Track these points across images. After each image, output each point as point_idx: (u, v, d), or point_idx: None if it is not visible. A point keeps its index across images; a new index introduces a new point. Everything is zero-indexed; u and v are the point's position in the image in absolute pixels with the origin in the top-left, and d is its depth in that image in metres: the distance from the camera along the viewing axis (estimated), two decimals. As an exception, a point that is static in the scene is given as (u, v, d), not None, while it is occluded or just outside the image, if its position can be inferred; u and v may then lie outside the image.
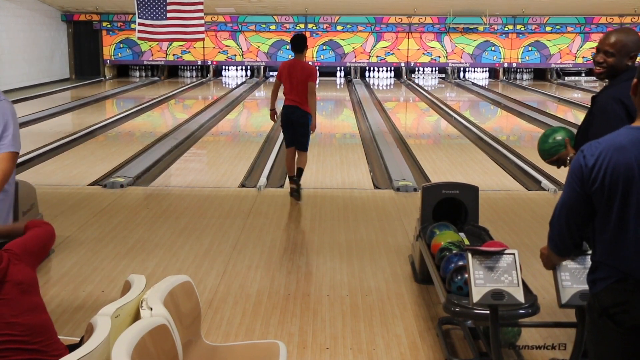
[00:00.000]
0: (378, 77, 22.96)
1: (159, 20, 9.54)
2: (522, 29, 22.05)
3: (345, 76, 22.72)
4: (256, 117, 15.42)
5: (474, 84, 21.65)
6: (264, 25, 22.01)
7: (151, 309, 2.52)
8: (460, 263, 3.60)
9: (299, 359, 3.74)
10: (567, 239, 2.49)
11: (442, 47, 22.40)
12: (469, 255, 2.92)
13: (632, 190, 2.26)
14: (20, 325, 2.43)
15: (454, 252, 3.88)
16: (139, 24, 9.61)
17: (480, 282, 2.88)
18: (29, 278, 2.53)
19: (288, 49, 22.24)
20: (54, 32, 20.96)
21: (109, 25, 22.01)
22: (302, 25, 21.95)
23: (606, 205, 2.31)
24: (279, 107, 7.34)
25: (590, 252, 2.55)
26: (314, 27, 21.94)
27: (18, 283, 2.48)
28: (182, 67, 23.08)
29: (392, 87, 21.38)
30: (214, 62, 22.54)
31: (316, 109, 7.05)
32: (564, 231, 2.47)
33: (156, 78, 22.32)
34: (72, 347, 2.62)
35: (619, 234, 2.30)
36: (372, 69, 22.97)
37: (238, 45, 22.36)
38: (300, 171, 7.20)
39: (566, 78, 22.45)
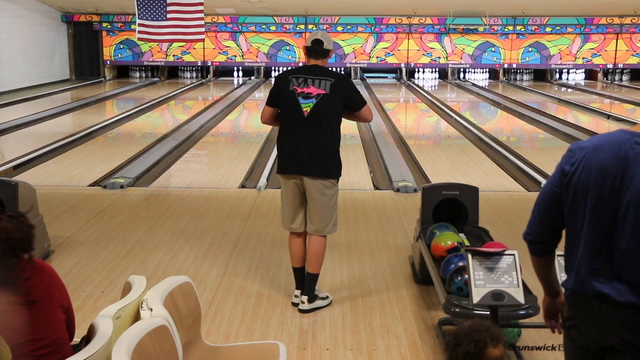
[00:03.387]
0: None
1: (159, 20, 9.55)
2: (522, 29, 22.05)
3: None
4: (256, 118, 15.40)
5: (474, 84, 21.65)
6: (264, 26, 22.01)
7: (151, 309, 2.53)
8: (460, 264, 3.61)
9: (299, 359, 3.74)
10: (536, 227, 2.38)
11: (442, 47, 22.40)
12: (469, 256, 2.93)
13: (594, 196, 2.08)
14: (41, 340, 2.51)
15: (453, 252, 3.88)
16: (139, 25, 9.62)
17: (480, 283, 2.88)
18: (46, 295, 2.59)
19: (288, 50, 22.27)
20: (54, 32, 20.95)
21: (109, 26, 22.01)
22: (302, 26, 21.95)
23: (570, 207, 2.17)
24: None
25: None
26: (314, 28, 21.93)
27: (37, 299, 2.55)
28: (182, 67, 23.08)
29: (392, 87, 21.38)
30: (214, 63, 22.55)
31: None
32: (535, 217, 2.37)
33: (156, 79, 22.31)
34: (74, 348, 2.63)
35: (574, 243, 2.15)
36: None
37: (238, 46, 22.36)
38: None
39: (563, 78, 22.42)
